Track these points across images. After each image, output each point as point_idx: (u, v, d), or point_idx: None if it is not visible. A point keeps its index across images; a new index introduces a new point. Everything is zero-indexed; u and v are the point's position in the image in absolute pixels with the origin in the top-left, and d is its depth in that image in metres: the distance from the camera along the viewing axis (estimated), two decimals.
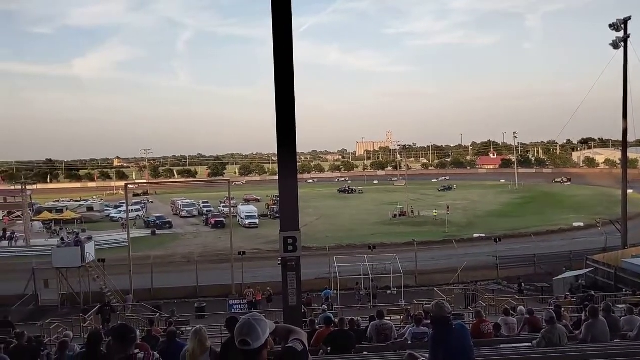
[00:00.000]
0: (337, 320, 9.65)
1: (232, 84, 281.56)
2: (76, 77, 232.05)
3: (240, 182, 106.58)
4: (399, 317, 15.84)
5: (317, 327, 10.28)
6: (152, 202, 76.77)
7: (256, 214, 55.33)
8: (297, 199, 8.21)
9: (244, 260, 29.28)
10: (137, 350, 4.45)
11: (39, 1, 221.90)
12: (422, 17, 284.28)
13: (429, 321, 9.00)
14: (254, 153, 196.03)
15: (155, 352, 5.13)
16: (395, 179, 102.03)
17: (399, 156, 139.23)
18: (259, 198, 75.37)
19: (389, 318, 12.05)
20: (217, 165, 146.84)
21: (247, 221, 53.00)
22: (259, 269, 30.88)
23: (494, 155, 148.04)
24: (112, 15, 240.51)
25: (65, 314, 24.17)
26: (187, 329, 17.59)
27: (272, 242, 38.42)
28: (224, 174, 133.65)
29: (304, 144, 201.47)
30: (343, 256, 30.60)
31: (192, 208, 64.27)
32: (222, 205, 62.01)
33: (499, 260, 32.08)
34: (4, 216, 57.00)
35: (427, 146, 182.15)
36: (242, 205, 62.17)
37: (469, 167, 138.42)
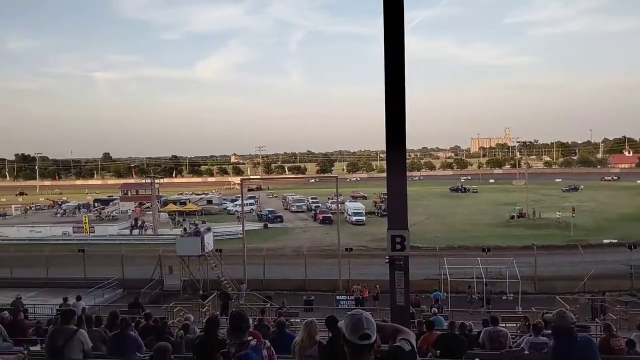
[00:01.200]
0: (447, 324, 9.23)
1: (341, 81, 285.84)
2: (199, 80, 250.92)
3: (354, 179, 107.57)
4: (514, 325, 14.80)
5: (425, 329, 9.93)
6: (275, 196, 79.83)
7: (363, 211, 55.41)
8: (406, 196, 7.93)
9: (350, 257, 29.41)
10: (250, 337, 4.62)
11: (168, 10, 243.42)
12: (546, 4, 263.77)
13: (549, 331, 8.22)
14: (362, 150, 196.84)
15: (266, 341, 5.25)
16: (515, 178, 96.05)
17: (518, 153, 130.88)
18: (366, 195, 75.51)
19: (503, 325, 11.29)
20: (326, 162, 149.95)
21: (354, 218, 53.26)
22: (366, 266, 30.81)
23: (629, 153, 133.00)
24: (232, 19, 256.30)
25: (186, 298, 26.20)
26: (296, 320, 18.10)
27: (379, 239, 38.19)
28: (332, 170, 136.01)
29: (413, 140, 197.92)
30: (454, 258, 29.36)
31: (301, 203, 66.24)
32: (329, 201, 63.14)
33: (634, 269, 28.62)
34: (135, 207, 62.04)
35: (551, 143, 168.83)
36: (349, 202, 62.69)
37: (599, 166, 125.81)
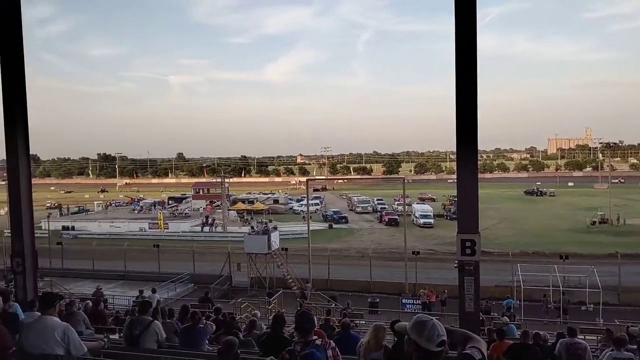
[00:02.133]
0: (520, 333, 8.75)
1: (408, 81, 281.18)
2: (267, 82, 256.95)
3: (419, 180, 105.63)
4: (594, 338, 13.81)
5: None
6: (344, 197, 79.92)
7: (431, 214, 54.17)
8: (477, 199, 7.63)
9: (417, 260, 28.86)
10: (315, 337, 4.61)
11: (238, 15, 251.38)
12: None
13: (635, 346, 7.56)
14: (430, 151, 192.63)
15: (331, 341, 5.22)
16: (597, 181, 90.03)
17: (600, 155, 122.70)
18: (434, 197, 73.79)
19: (582, 337, 10.56)
20: (392, 163, 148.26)
21: (422, 220, 52.19)
22: (433, 270, 30.12)
23: None
24: (301, 21, 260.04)
25: (253, 295, 26.82)
26: (361, 322, 17.98)
27: (448, 243, 37.18)
28: (399, 171, 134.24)
29: (485, 141, 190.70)
30: (528, 264, 27.93)
31: (366, 204, 65.86)
32: (396, 203, 62.31)
33: None
34: (206, 205, 64.48)
35: (638, 144, 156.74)
36: (416, 204, 61.55)
37: None
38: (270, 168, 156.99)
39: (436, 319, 2.45)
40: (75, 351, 5.33)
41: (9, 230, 11.04)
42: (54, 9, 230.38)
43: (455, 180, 7.78)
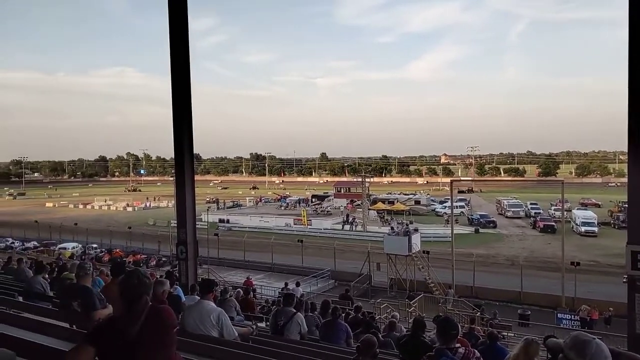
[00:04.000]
0: None
1: (570, 73, 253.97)
2: (411, 80, 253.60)
3: (580, 183, 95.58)
4: None
5: None
6: (497, 201, 76.70)
7: (595, 221, 48.30)
8: None
9: (577, 272, 25.94)
10: (457, 345, 4.40)
11: (383, 14, 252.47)
12: None
13: None
14: (595, 151, 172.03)
15: (475, 350, 4.88)
16: None
17: None
18: (599, 203, 65.81)
19: None
20: (549, 164, 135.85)
21: (584, 228, 46.85)
22: (595, 284, 26.84)
23: None
24: (447, 16, 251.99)
25: (393, 296, 26.61)
26: (509, 334, 16.75)
27: (614, 255, 32.96)
28: (557, 174, 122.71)
29: None
30: None
31: (518, 209, 61.29)
32: (552, 208, 57.04)
33: None
34: (347, 204, 65.53)
35: None
36: (577, 209, 55.45)
37: None
38: (412, 168, 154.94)
39: (598, 338, 2.18)
40: (227, 335, 5.73)
41: (175, 221, 12.38)
42: (214, 21, 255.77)
43: (627, 185, 6.91)
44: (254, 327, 7.83)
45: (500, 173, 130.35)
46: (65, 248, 37.57)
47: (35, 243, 42.18)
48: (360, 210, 54.84)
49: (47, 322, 4.92)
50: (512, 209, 61.08)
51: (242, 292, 14.32)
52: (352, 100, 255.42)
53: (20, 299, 7.57)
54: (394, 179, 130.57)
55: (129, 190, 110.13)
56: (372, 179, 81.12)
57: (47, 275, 11.24)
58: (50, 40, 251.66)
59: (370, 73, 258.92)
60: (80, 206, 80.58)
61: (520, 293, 26.76)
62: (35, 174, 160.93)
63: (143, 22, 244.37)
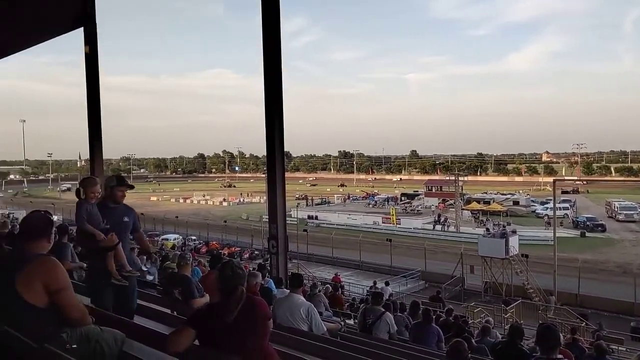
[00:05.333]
0: None
1: None
2: (509, 73, 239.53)
3: None
4: None
5: None
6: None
7: None
8: None
9: None
10: (559, 356, 4.15)
11: (478, 6, 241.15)
12: None
13: None
14: None
15: None
16: None
17: None
18: None
19: None
20: None
21: None
22: None
23: None
24: (550, 4, 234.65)
25: (487, 301, 25.41)
26: (620, 348, 15.32)
27: None
28: None
29: None
30: None
31: (632, 212, 55.71)
32: None
33: None
34: (439, 203, 63.49)
35: None
36: None
37: None
38: (509, 166, 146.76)
39: None
40: (316, 329, 5.78)
41: (267, 216, 12.75)
42: (305, 21, 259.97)
43: None
44: (342, 323, 7.85)
45: (610, 172, 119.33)
46: (167, 239, 40.34)
47: None
48: (453, 210, 53.22)
49: (152, 308, 5.28)
50: (625, 212, 55.60)
51: (330, 288, 14.47)
52: (445, 96, 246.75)
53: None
54: (490, 178, 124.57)
55: (224, 186, 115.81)
56: (466, 178, 78.03)
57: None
58: (154, 45, 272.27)
59: (464, 68, 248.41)
60: (181, 200, 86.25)
61: (634, 304, 24.33)
62: (142, 170, 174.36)
63: (237, 25, 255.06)
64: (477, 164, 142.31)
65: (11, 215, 37.21)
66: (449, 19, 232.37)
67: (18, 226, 5.55)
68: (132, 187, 4.89)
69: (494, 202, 62.21)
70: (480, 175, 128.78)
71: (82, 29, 17.52)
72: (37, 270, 2.76)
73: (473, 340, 8.41)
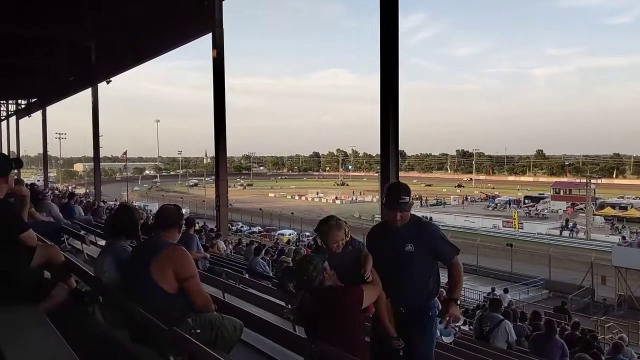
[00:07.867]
0: None
1: None
2: None
3: None
4: None
5: None
6: None
7: None
8: None
9: None
10: None
11: None
12: None
13: None
14: None
15: None
16: None
17: None
18: None
19: None
20: None
21: None
22: None
23: None
24: None
25: (621, 316, 22.99)
26: None
27: None
28: None
29: None
30: None
31: None
32: None
33: None
34: (567, 207, 59.08)
35: None
36: None
37: None
38: None
39: None
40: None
41: (379, 216, 12.72)
42: (424, 17, 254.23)
43: None
44: (457, 329, 7.58)
45: None
46: (283, 234, 42.13)
47: (260, 228, 48.36)
48: (583, 215, 49.07)
49: (267, 299, 5.53)
50: None
51: (444, 292, 14.00)
52: (576, 91, 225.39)
53: (247, 275, 8.76)
54: (629, 181, 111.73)
55: (337, 184, 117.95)
56: (599, 180, 71.16)
57: (267, 257, 12.81)
58: (275, 48, 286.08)
59: (599, 60, 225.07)
60: (296, 197, 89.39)
61: None
62: (261, 168, 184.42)
63: (355, 25, 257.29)
64: (612, 165, 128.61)
65: (146, 208, 41.70)
66: (580, 7, 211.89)
67: (152, 218, 6.17)
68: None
69: (632, 207, 56.98)
70: (616, 178, 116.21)
71: (210, 34, 19.09)
72: (169, 258, 3.05)
73: (603, 358, 7.66)
